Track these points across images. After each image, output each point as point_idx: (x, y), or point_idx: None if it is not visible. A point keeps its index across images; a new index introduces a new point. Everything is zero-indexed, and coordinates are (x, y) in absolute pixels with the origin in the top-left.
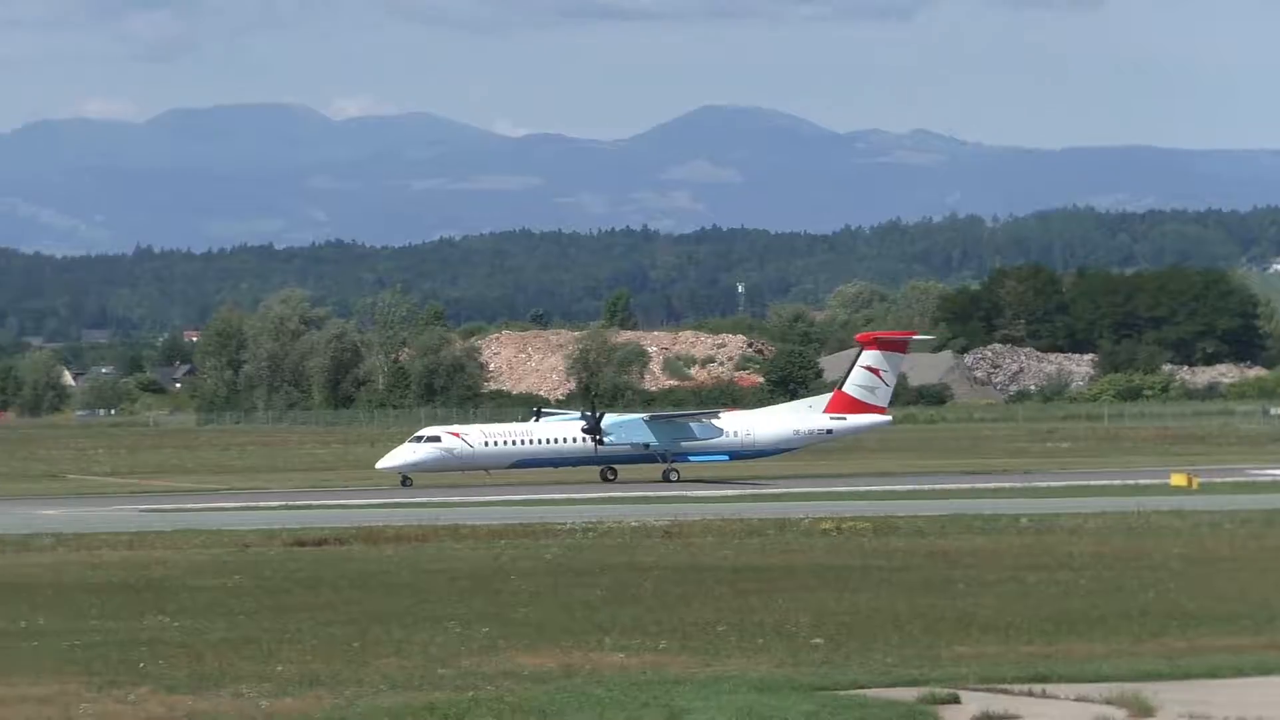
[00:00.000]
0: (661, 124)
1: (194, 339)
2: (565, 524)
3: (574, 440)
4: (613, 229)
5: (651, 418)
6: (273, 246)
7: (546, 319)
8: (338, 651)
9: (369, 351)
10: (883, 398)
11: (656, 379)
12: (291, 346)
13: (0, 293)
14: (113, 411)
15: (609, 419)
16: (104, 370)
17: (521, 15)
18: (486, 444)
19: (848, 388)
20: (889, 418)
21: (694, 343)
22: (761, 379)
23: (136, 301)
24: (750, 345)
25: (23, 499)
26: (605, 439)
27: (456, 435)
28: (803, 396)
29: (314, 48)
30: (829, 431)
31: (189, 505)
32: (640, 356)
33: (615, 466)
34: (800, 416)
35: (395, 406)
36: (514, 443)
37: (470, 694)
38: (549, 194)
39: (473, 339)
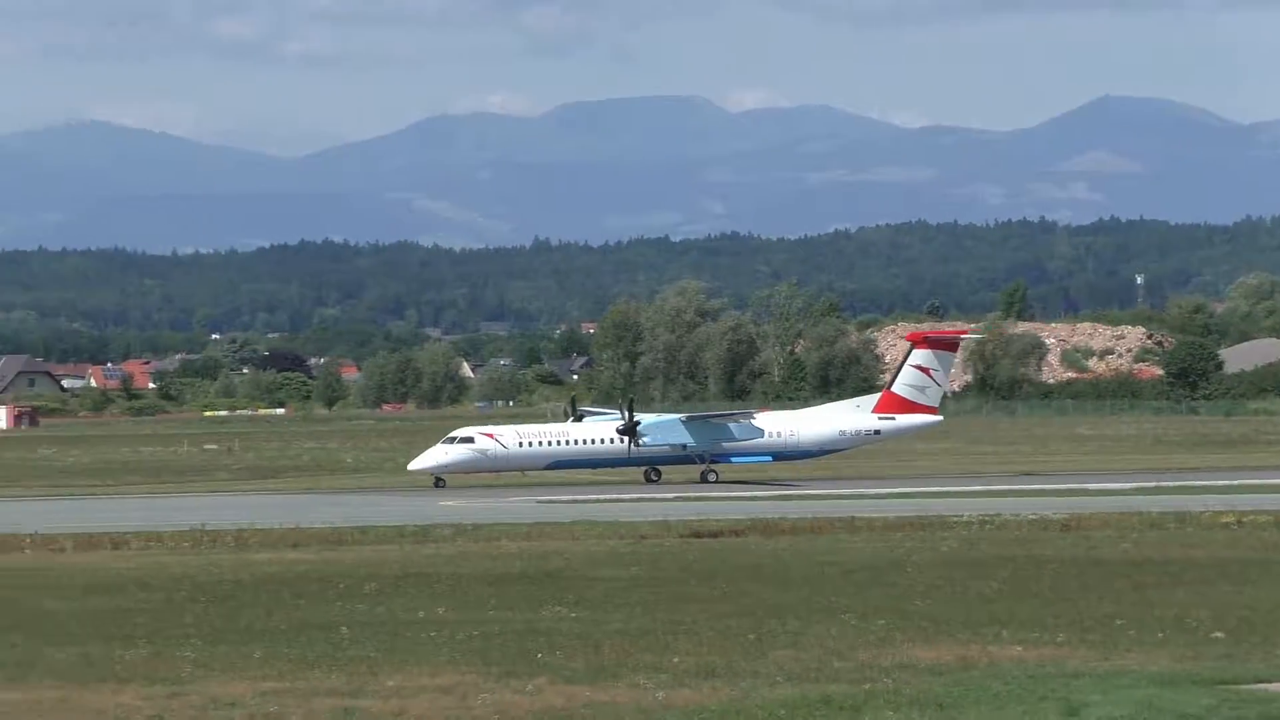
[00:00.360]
0: (1060, 115)
1: (591, 331)
2: (961, 517)
3: (610, 441)
4: (1009, 220)
5: (688, 418)
6: (669, 239)
7: (942, 311)
8: (733, 643)
9: (764, 343)
10: (933, 397)
11: (1054, 371)
12: (687, 338)
13: (400, 285)
14: (510, 403)
15: (645, 419)
16: (502, 362)
17: (918, 6)
18: (521, 445)
19: (897, 387)
20: (939, 418)
21: (1092, 334)
22: (1160, 371)
23: (534, 294)
24: (1149, 337)
25: (424, 491)
26: (641, 440)
27: (490, 436)
28: (1201, 389)
29: (711, 40)
30: (876, 432)
31: (585, 497)
32: (1038, 348)
33: (659, 468)
34: (847, 416)
35: (790, 398)
36: (550, 443)
37: (866, 687)
38: (945, 185)
39: (868, 331)
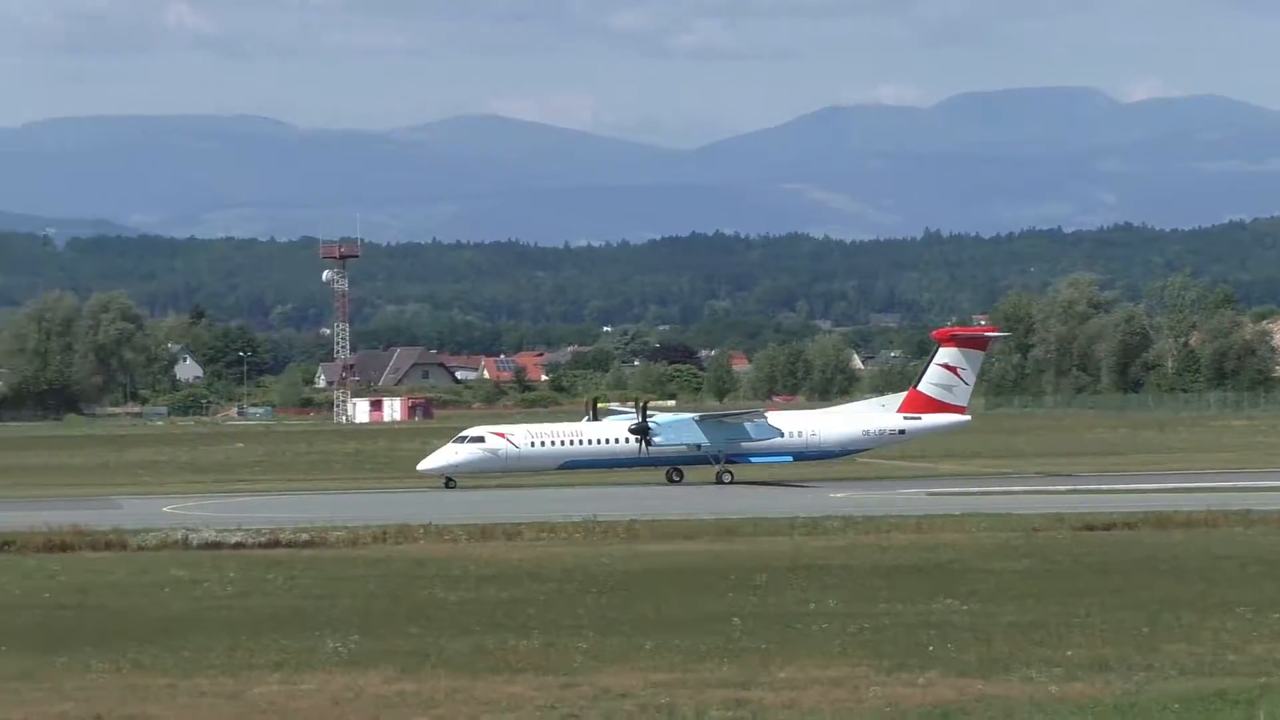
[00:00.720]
0: None
1: (982, 323)
2: None
3: (624, 441)
4: None
5: (702, 417)
6: (1061, 230)
7: None
8: (1127, 637)
9: (1158, 335)
10: (961, 396)
11: None
12: (1080, 330)
13: (790, 277)
14: None
15: (657, 419)
16: (892, 354)
17: None
18: (533, 444)
19: (923, 386)
20: (967, 418)
21: None
22: None
23: (925, 285)
24: None
25: (821, 482)
26: (654, 439)
27: (502, 435)
28: None
29: (1102, 31)
30: (901, 432)
31: (974, 490)
32: None
33: (681, 468)
34: (870, 416)
35: (1185, 390)
36: (563, 443)
37: (1261, 680)
38: None
39: (1264, 323)
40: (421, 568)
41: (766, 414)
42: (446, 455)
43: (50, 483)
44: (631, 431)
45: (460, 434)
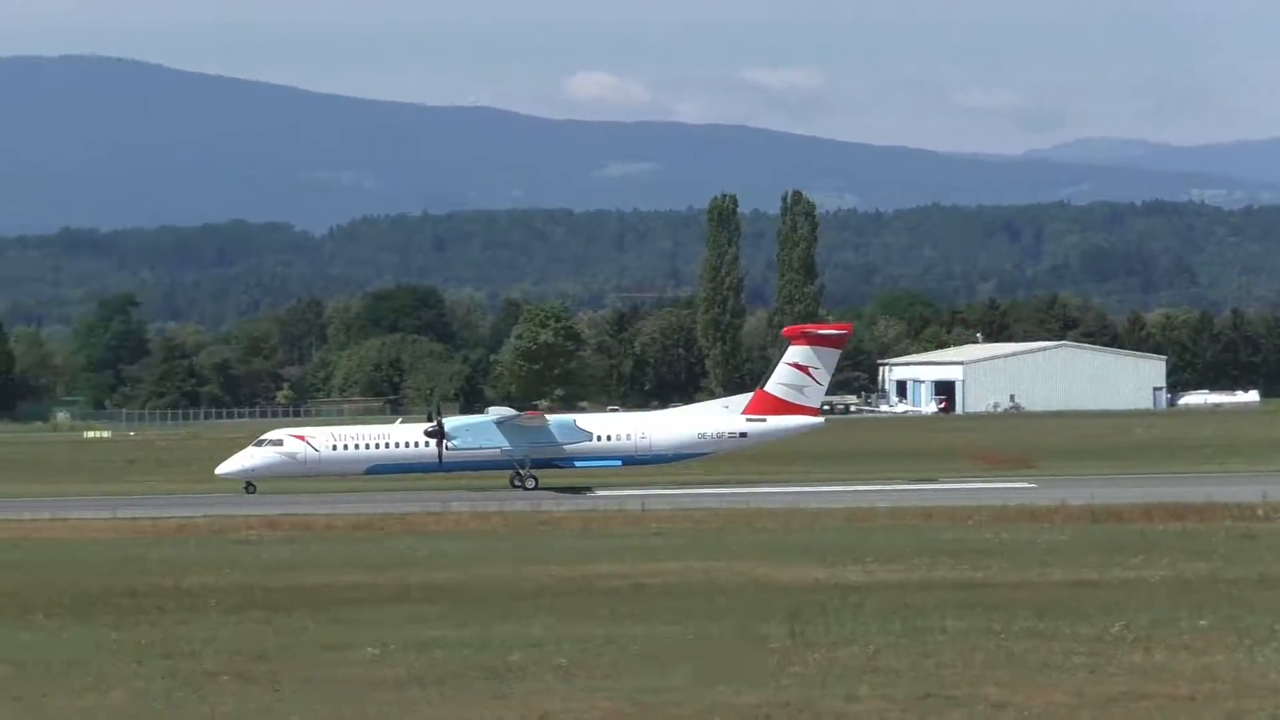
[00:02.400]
0: None
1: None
2: None
3: (429, 445)
4: None
5: (501, 421)
6: None
7: None
8: None
9: None
10: (813, 398)
11: None
12: None
13: None
14: None
15: (454, 421)
16: None
17: None
18: (335, 448)
19: (770, 387)
20: (820, 420)
21: None
22: None
23: None
24: None
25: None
26: (451, 443)
27: (302, 439)
28: None
29: None
30: (743, 435)
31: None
32: None
33: (533, 472)
34: (708, 418)
35: None
36: (367, 446)
37: None
38: None
39: None
40: None
41: (575, 417)
42: (244, 459)
43: None
44: (427, 435)
45: (260, 437)
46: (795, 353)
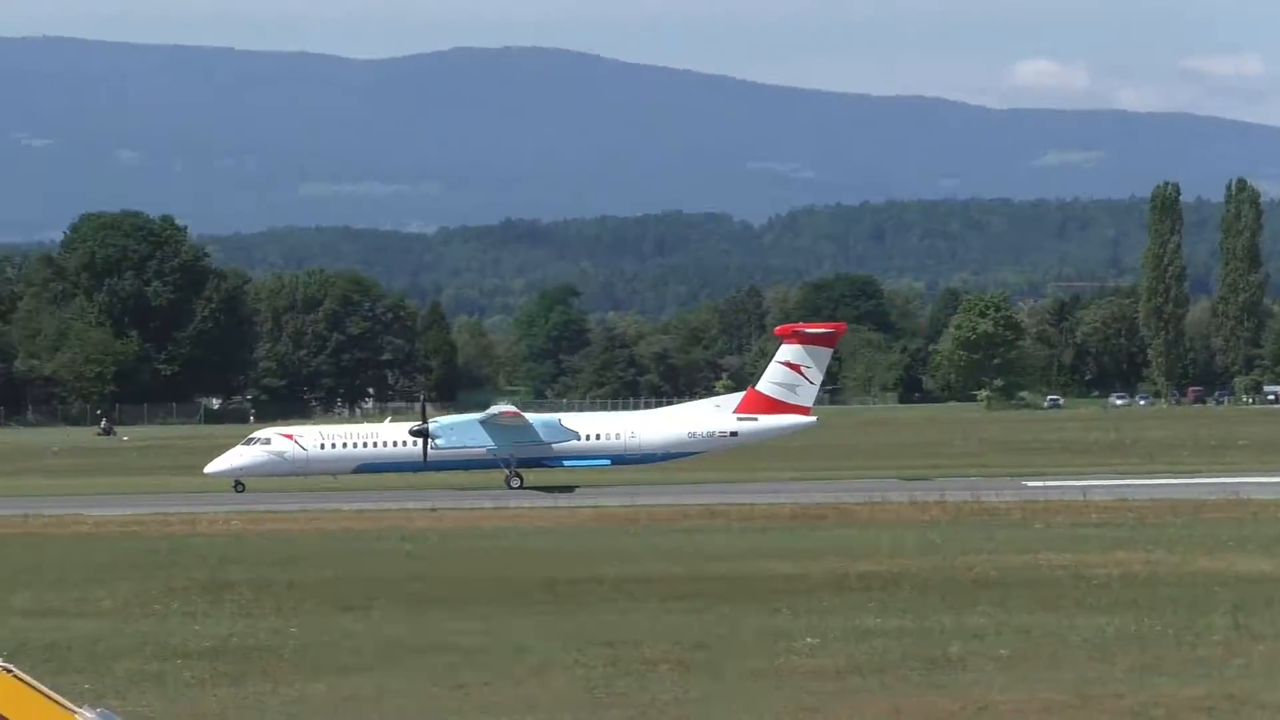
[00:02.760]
0: None
1: None
2: None
3: (416, 443)
4: None
5: (486, 419)
6: None
7: None
8: None
9: None
10: (806, 397)
11: None
12: None
13: None
14: None
15: (440, 420)
16: None
17: None
18: (323, 446)
19: (762, 386)
20: (812, 419)
21: None
22: None
23: None
24: None
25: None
26: (436, 442)
27: (290, 438)
28: None
29: None
30: (733, 434)
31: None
32: None
33: (519, 473)
34: (699, 417)
35: None
36: (356, 445)
37: None
38: None
39: None
40: None
41: (560, 416)
42: (233, 458)
43: None
44: (412, 434)
45: (250, 436)
46: (787, 351)
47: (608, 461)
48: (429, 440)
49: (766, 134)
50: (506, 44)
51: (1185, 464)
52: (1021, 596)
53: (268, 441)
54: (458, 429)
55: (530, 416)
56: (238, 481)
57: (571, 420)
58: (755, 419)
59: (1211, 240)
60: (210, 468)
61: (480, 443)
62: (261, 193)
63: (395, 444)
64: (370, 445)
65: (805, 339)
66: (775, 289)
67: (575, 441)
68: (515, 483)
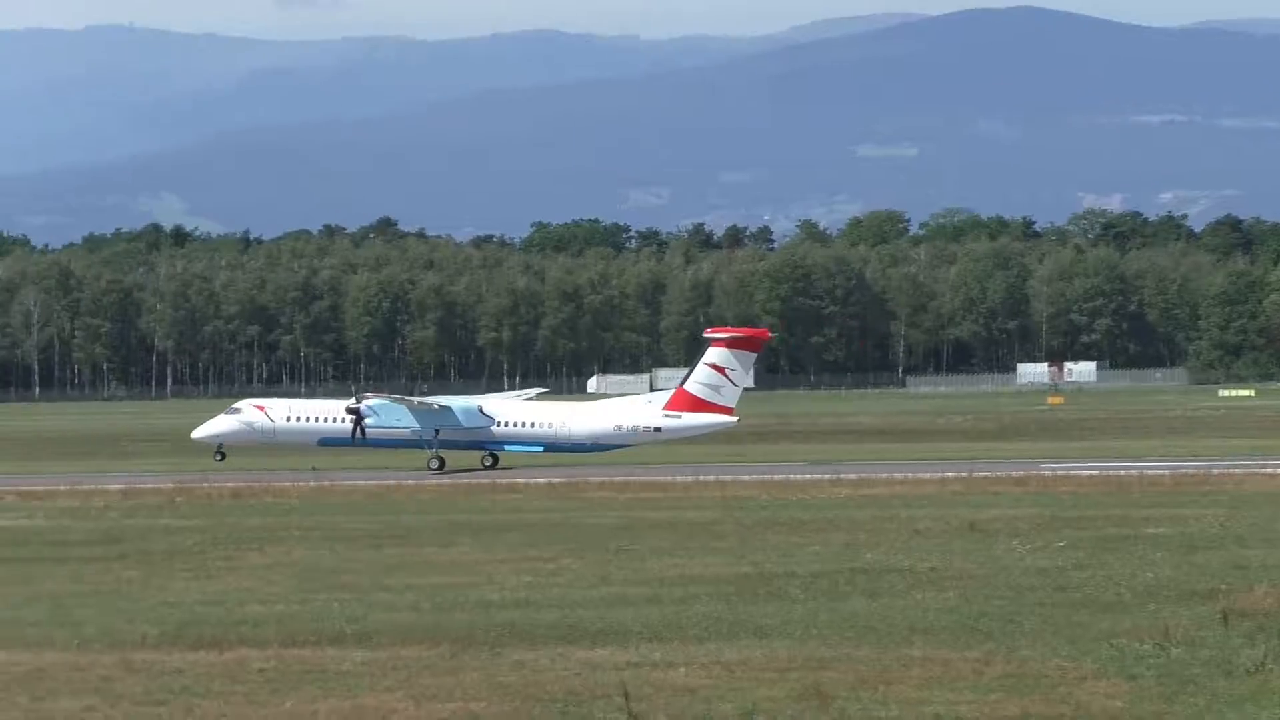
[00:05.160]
0: None
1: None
2: None
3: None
4: None
5: (417, 404)
6: None
7: None
8: None
9: None
10: (729, 398)
11: None
12: None
13: None
14: None
15: (372, 401)
16: None
17: None
18: (289, 419)
19: (689, 385)
20: (734, 419)
21: None
22: None
23: None
24: None
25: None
26: (365, 421)
27: (261, 409)
28: None
29: None
30: (658, 429)
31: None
32: None
33: (495, 454)
34: (627, 412)
35: None
36: (319, 420)
37: None
38: None
39: None
40: None
41: (481, 404)
42: (213, 425)
43: None
44: (347, 411)
45: (232, 405)
46: (714, 354)
47: (541, 448)
48: (360, 420)
49: None
50: None
51: None
52: None
53: (239, 411)
54: (389, 410)
55: (452, 402)
56: (219, 448)
57: (495, 408)
58: (680, 416)
59: None
60: (196, 432)
61: (407, 424)
62: None
63: (343, 421)
64: (330, 421)
65: (732, 344)
66: None
67: (512, 429)
68: (435, 464)
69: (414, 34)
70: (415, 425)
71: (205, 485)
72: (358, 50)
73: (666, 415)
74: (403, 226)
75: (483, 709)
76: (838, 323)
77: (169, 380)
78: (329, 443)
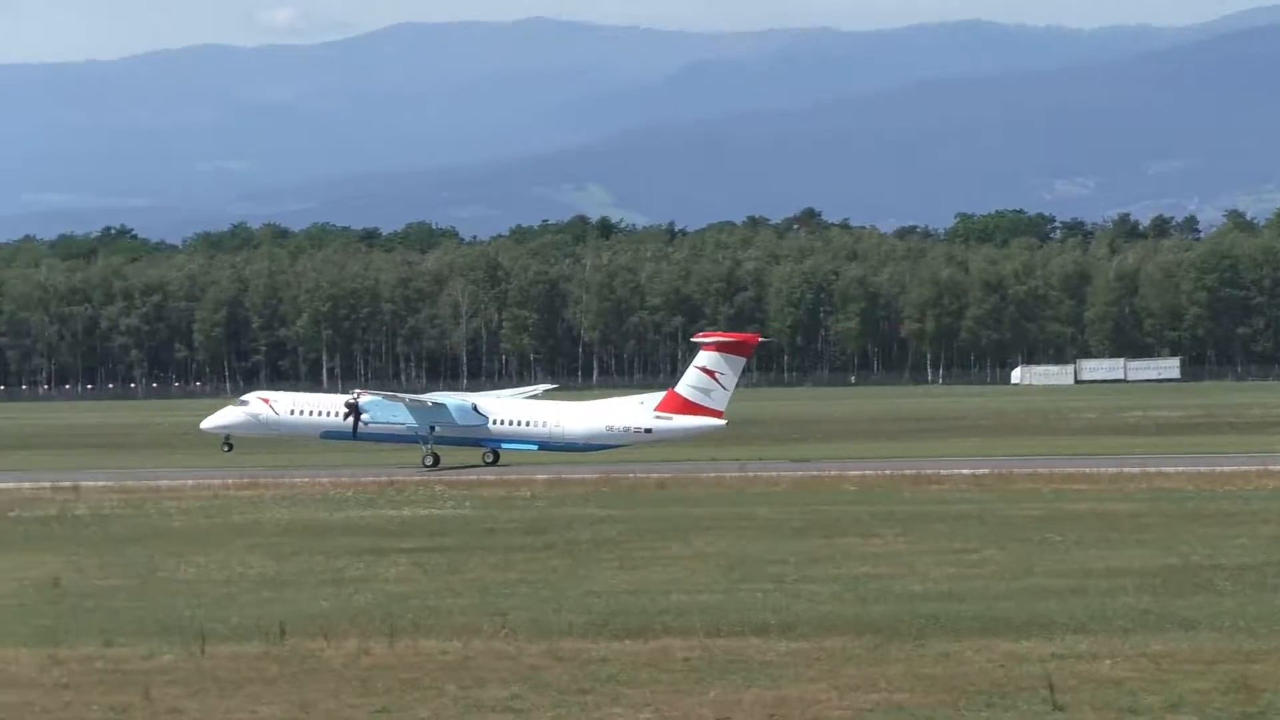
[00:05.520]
0: None
1: None
2: None
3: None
4: None
5: (411, 401)
6: None
7: None
8: None
9: None
10: (719, 401)
11: None
12: None
13: None
14: None
15: (369, 398)
16: None
17: None
18: (293, 413)
19: (680, 388)
20: (722, 421)
21: None
22: None
23: None
24: None
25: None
26: (364, 417)
27: (266, 401)
28: None
29: None
30: (648, 431)
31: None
32: None
33: (496, 450)
34: (620, 412)
35: None
36: (322, 414)
37: None
38: None
39: None
40: None
41: (476, 402)
42: (222, 416)
43: None
44: (346, 406)
45: (241, 397)
46: (704, 358)
47: (535, 446)
48: (358, 416)
49: None
50: None
51: None
52: None
53: (246, 403)
54: (385, 407)
55: (446, 400)
56: (227, 438)
57: (490, 406)
58: (670, 418)
59: None
60: (205, 423)
61: (403, 420)
62: None
63: (342, 415)
64: (331, 415)
65: (722, 348)
66: None
67: (506, 427)
68: (430, 460)
69: (839, 24)
70: (410, 422)
71: (630, 476)
72: (781, 43)
73: (657, 417)
74: (826, 217)
75: (906, 700)
76: (1265, 313)
77: (594, 371)
78: (331, 436)
